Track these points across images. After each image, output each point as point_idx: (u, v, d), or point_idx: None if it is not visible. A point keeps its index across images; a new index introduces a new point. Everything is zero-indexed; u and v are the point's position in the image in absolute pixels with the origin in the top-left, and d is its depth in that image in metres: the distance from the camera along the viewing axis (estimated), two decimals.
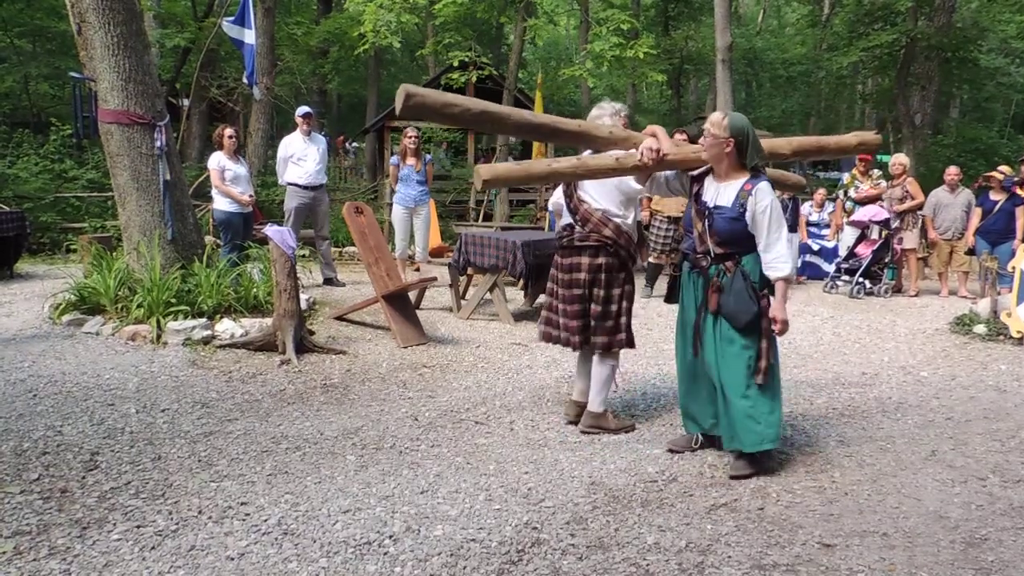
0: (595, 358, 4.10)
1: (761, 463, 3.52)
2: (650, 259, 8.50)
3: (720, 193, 3.53)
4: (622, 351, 4.16)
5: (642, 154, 3.56)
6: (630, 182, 3.98)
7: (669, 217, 8.12)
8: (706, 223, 3.51)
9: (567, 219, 4.17)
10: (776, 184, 4.69)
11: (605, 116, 4.07)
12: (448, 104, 3.50)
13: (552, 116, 3.91)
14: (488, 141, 21.12)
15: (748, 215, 3.41)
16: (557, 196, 4.41)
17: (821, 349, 6.18)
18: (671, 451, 3.76)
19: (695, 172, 3.71)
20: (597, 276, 4.01)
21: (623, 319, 4.07)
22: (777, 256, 3.40)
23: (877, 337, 6.67)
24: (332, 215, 9.48)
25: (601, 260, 4.00)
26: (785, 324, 3.44)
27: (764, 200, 3.39)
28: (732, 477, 3.46)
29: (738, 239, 3.45)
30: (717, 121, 3.47)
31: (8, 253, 8.62)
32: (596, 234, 4.00)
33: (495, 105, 3.79)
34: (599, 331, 4.03)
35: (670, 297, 3.88)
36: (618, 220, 4.02)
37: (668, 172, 3.79)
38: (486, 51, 15.68)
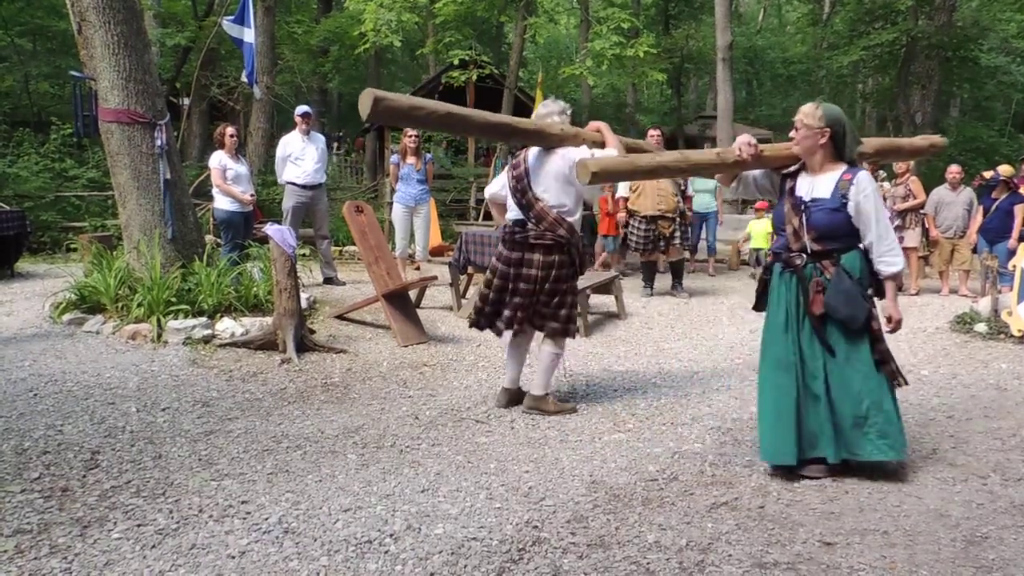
0: (542, 345, 4.31)
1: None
2: (640, 259, 8.58)
3: (816, 186, 3.40)
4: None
5: (740, 149, 3.52)
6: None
7: (646, 216, 8.17)
8: (802, 218, 3.39)
9: (515, 214, 4.26)
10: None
11: (554, 115, 4.25)
12: (415, 107, 3.69)
13: (510, 117, 4.14)
14: (488, 140, 21.08)
15: (851, 206, 3.29)
16: (496, 188, 4.53)
17: None
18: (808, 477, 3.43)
19: (788, 170, 3.59)
20: (550, 273, 4.15)
21: (573, 311, 4.29)
22: (890, 248, 3.30)
23: None
24: (332, 214, 9.48)
25: (555, 258, 4.15)
26: (900, 322, 3.37)
27: (867, 188, 3.29)
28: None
29: (838, 233, 3.33)
30: (810, 112, 3.38)
31: (8, 252, 8.63)
32: (551, 233, 4.12)
33: (459, 107, 4.01)
34: (552, 319, 4.23)
35: (759, 304, 3.67)
36: (571, 219, 4.18)
37: (757, 172, 3.73)
38: (486, 50, 15.70)
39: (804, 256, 3.40)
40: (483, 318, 4.36)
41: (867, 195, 3.29)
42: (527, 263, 4.17)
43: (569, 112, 4.31)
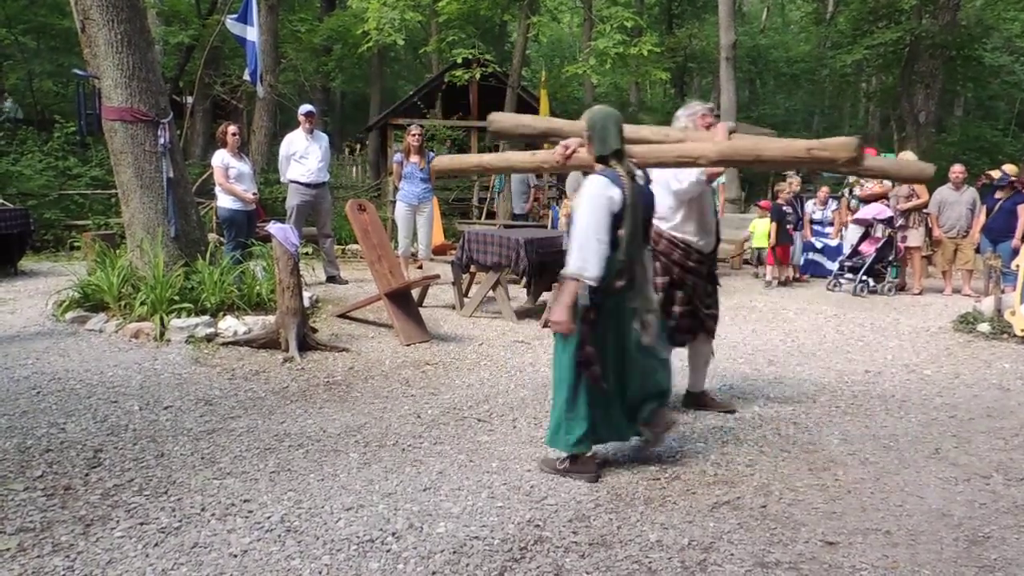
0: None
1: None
2: None
3: None
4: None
5: (555, 151, 3.65)
6: (678, 182, 3.97)
7: None
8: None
9: None
10: (896, 178, 4.65)
11: (682, 118, 4.14)
12: (521, 125, 4.04)
13: (638, 126, 4.09)
14: (491, 139, 21.07)
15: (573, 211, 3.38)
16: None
17: (824, 347, 6.18)
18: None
19: None
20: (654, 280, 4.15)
21: (671, 322, 4.09)
22: (574, 255, 3.21)
23: (880, 335, 6.66)
24: (336, 212, 9.48)
25: (655, 264, 4.13)
26: (557, 324, 3.25)
27: (583, 193, 3.27)
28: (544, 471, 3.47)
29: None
30: (584, 116, 3.42)
31: (12, 250, 8.64)
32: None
33: (561, 120, 4.14)
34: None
35: None
36: (663, 226, 4.09)
37: None
38: (489, 48, 15.65)
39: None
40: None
41: (581, 198, 3.27)
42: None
43: (701, 113, 4.08)
